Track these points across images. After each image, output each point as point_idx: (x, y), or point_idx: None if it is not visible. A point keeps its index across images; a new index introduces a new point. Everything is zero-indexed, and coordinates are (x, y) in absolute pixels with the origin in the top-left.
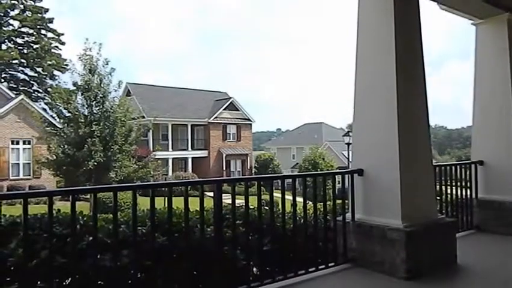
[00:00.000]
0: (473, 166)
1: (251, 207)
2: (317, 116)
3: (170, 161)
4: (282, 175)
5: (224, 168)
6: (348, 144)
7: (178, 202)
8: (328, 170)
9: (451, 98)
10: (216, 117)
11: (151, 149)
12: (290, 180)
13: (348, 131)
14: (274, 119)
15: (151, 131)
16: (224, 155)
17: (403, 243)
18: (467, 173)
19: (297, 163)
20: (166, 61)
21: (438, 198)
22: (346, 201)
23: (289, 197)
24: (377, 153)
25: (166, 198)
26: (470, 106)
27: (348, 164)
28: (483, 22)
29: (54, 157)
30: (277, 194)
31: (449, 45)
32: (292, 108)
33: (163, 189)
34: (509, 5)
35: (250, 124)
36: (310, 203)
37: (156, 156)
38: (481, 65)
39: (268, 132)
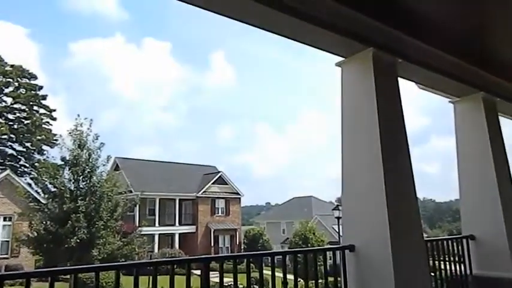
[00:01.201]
0: (464, 241)
1: (240, 286)
2: (306, 190)
3: (156, 237)
4: (272, 252)
5: (212, 244)
6: (338, 218)
7: (163, 281)
8: (319, 245)
9: (438, 171)
10: (204, 192)
11: (137, 224)
12: (280, 256)
13: (337, 205)
14: (263, 193)
15: (138, 205)
16: (212, 230)
17: None
18: (459, 247)
19: (288, 238)
20: (158, 136)
21: (433, 274)
22: (339, 279)
23: (279, 274)
24: (367, 228)
25: (150, 277)
26: (457, 179)
27: (339, 238)
28: (460, 100)
29: (35, 234)
30: (267, 272)
31: (435, 120)
32: (281, 182)
33: (148, 267)
34: (483, 85)
35: (239, 198)
36: (302, 280)
37: (142, 232)
38: (462, 141)
39: (258, 206)
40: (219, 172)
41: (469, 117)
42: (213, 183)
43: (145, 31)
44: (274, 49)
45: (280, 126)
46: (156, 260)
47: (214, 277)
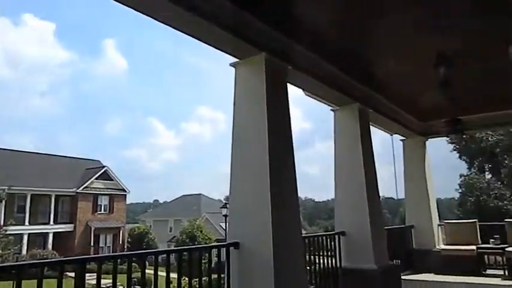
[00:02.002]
0: (336, 237)
1: (120, 287)
2: (196, 187)
3: (26, 237)
4: (156, 251)
5: (92, 244)
6: (226, 216)
7: (31, 286)
8: (206, 242)
9: (318, 173)
10: (86, 187)
11: (2, 223)
12: (165, 255)
13: (226, 203)
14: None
15: (3, 202)
16: (93, 229)
17: None
18: (332, 243)
19: (174, 236)
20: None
21: (308, 268)
22: (222, 275)
23: (163, 273)
24: (251, 226)
25: (14, 282)
26: (333, 180)
27: (226, 236)
28: (339, 109)
29: None
30: (150, 271)
31: (318, 125)
32: (170, 179)
33: (12, 271)
34: (359, 96)
35: (125, 195)
36: (186, 279)
37: (8, 232)
38: (339, 146)
39: (145, 203)
40: (103, 167)
41: (346, 124)
42: (96, 179)
43: (25, 7)
44: (171, 43)
45: (173, 122)
46: (21, 262)
47: (91, 279)
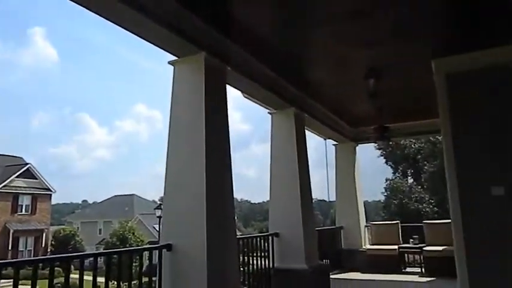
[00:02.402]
0: (270, 238)
1: None
2: (130, 188)
3: None
4: (82, 254)
5: (10, 248)
6: (160, 217)
7: None
8: (138, 245)
9: (255, 175)
10: (4, 186)
11: None
12: (92, 258)
13: (160, 204)
14: (81, 190)
15: None
16: (12, 231)
17: None
18: (266, 244)
19: (104, 238)
20: None
21: (242, 269)
22: (154, 279)
23: (89, 277)
24: (185, 228)
25: None
26: (269, 182)
27: (159, 238)
28: (276, 112)
29: None
30: (76, 276)
31: (256, 127)
32: (102, 178)
33: None
34: (296, 101)
35: (50, 195)
36: (115, 283)
37: None
38: (275, 148)
39: (73, 204)
40: (26, 164)
41: (282, 128)
42: (17, 177)
43: None
44: (107, 36)
45: (107, 118)
46: None
47: (7, 285)
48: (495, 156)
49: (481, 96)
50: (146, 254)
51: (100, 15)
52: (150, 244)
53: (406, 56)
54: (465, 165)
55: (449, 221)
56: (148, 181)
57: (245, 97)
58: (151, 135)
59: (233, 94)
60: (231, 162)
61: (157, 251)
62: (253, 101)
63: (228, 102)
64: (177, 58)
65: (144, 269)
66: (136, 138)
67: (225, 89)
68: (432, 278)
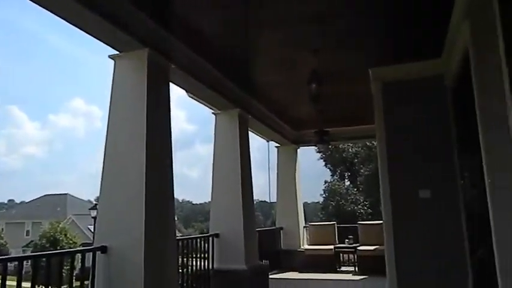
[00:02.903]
0: (210, 238)
1: None
2: (64, 187)
3: None
4: (4, 257)
5: None
6: (95, 218)
7: None
8: (70, 247)
9: (198, 175)
10: None
11: None
12: (16, 262)
13: (96, 204)
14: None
15: None
16: None
17: None
18: (206, 245)
19: (32, 241)
20: None
21: (181, 271)
22: (86, 282)
23: (13, 282)
24: (122, 229)
25: None
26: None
27: (94, 240)
28: (220, 113)
29: None
30: None
31: (200, 127)
32: (32, 176)
33: None
34: (240, 102)
35: None
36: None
37: None
38: (218, 149)
39: None
40: None
41: (226, 128)
42: None
43: None
44: (42, 24)
45: (39, 112)
46: None
47: None
48: (422, 161)
49: (413, 105)
50: (79, 256)
51: (35, 3)
52: (83, 246)
53: (347, 64)
54: (396, 169)
55: (382, 221)
56: (85, 180)
57: (190, 96)
58: (89, 131)
59: (178, 93)
60: (172, 162)
61: (91, 254)
62: (198, 101)
63: (171, 101)
64: (118, 53)
65: (76, 272)
66: (72, 134)
67: (168, 87)
68: (365, 276)
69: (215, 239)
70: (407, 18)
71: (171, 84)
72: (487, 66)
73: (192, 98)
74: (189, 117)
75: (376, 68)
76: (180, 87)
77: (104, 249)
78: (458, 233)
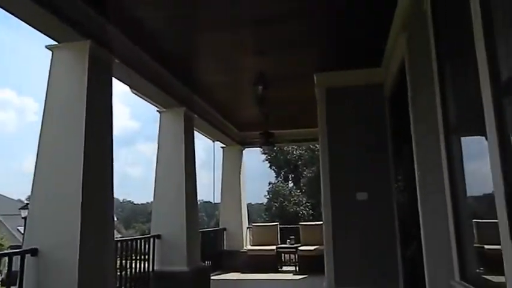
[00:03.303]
0: (152, 240)
1: None
2: None
3: None
4: None
5: None
6: (25, 218)
7: None
8: None
9: (140, 175)
10: None
11: None
12: None
13: (27, 203)
14: None
15: None
16: None
17: None
18: (147, 246)
19: None
20: None
21: (119, 274)
22: None
23: None
24: (56, 230)
25: None
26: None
27: (23, 242)
28: (166, 111)
29: None
30: None
31: (145, 125)
32: None
33: None
34: (186, 101)
35: None
36: None
37: None
38: (162, 148)
39: None
40: None
41: (171, 127)
42: None
43: None
44: None
45: None
46: None
47: None
48: (361, 165)
49: (354, 111)
50: (6, 260)
51: None
52: (12, 249)
53: (293, 68)
54: (336, 172)
55: (322, 222)
56: (15, 178)
57: (133, 93)
58: (21, 126)
59: (122, 89)
60: (112, 160)
61: (19, 257)
62: (142, 98)
63: (114, 97)
64: (56, 43)
65: (1, 277)
66: (1, 128)
67: (111, 81)
68: (305, 276)
69: (156, 240)
70: (351, 27)
71: (114, 79)
72: (419, 70)
73: (136, 94)
74: (133, 114)
75: (321, 74)
76: (124, 82)
77: (34, 252)
78: (392, 232)
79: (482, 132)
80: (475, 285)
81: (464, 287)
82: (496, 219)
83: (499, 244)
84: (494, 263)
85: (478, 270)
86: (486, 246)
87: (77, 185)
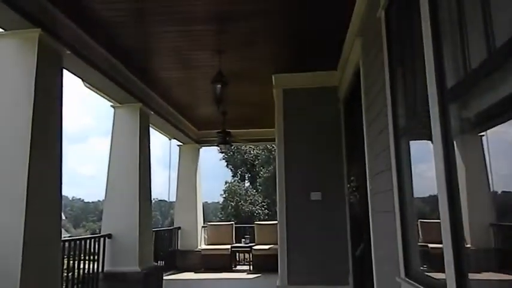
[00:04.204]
0: (102, 239)
1: None
2: None
3: None
4: None
5: None
6: None
7: None
8: None
9: (92, 172)
10: None
11: None
12: None
13: None
14: None
15: None
16: None
17: None
18: (97, 246)
19: None
20: None
21: (66, 275)
22: None
23: None
24: None
25: None
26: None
27: None
28: (121, 106)
29: None
30: None
31: (98, 121)
32: None
33: None
34: (142, 97)
35: None
36: None
37: None
38: (116, 145)
39: None
40: None
41: (126, 123)
42: None
43: None
44: None
45: None
46: None
47: None
48: (316, 165)
49: (310, 112)
50: None
51: None
52: None
53: (251, 68)
54: (292, 172)
55: (276, 222)
56: None
57: (86, 86)
58: None
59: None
60: (61, 156)
61: None
62: (96, 92)
63: (65, 90)
64: (2, 31)
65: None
66: None
67: (62, 73)
68: (258, 274)
69: (107, 239)
70: (309, 30)
71: (65, 71)
72: (373, 74)
73: (89, 88)
74: (85, 109)
75: (279, 75)
76: (76, 75)
77: None
78: (344, 232)
79: (428, 136)
80: (417, 282)
81: (408, 284)
82: (439, 219)
83: (441, 243)
84: (437, 261)
85: (421, 268)
86: (430, 245)
87: (22, 182)
